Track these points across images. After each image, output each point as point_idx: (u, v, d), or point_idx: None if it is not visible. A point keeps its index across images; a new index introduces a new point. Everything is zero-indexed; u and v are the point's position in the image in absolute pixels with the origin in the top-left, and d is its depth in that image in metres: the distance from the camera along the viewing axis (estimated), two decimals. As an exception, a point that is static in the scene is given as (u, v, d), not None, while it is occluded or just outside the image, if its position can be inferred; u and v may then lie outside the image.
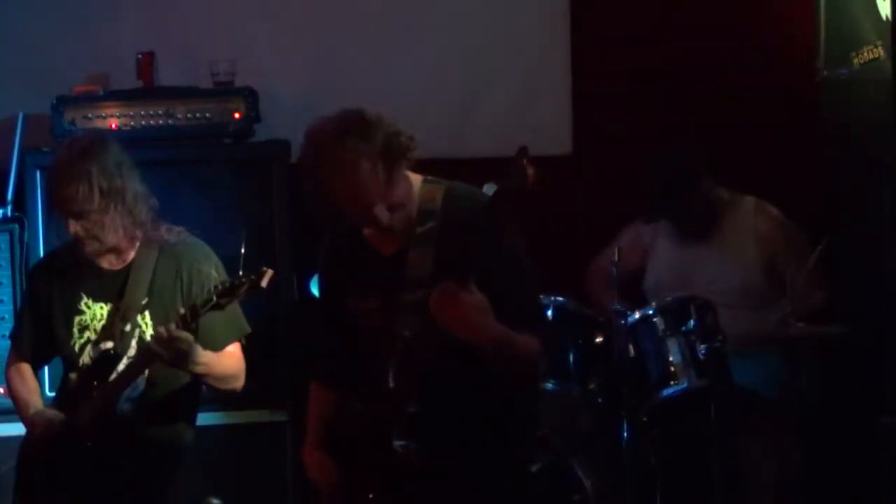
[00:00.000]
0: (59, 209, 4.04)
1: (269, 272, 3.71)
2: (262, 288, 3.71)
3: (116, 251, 4.08)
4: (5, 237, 4.85)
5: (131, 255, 4.08)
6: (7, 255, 4.81)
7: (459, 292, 3.11)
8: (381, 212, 3.30)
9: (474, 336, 3.17)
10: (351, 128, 3.27)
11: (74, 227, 3.98)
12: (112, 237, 4.01)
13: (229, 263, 4.06)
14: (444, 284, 3.13)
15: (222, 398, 4.65)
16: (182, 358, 3.87)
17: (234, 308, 3.96)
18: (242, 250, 3.97)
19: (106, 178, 3.97)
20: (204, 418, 4.44)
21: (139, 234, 4.06)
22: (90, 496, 3.95)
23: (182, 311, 3.84)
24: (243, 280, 3.74)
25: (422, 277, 3.31)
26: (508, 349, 3.24)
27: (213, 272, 4.05)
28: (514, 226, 3.20)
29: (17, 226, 4.87)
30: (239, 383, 4.13)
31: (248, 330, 4.13)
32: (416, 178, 3.44)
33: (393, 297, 3.36)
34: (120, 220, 3.99)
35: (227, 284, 3.77)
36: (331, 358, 3.63)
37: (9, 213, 4.92)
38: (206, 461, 4.54)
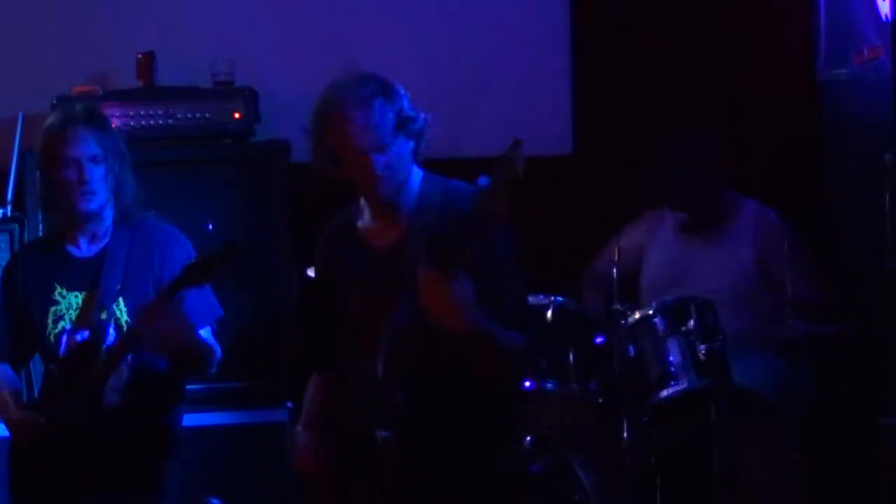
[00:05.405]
0: (76, 149, 4.00)
1: (238, 245, 3.74)
2: (233, 262, 3.75)
3: (91, 231, 4.06)
4: (5, 237, 4.84)
5: (105, 240, 4.08)
6: (7, 255, 4.79)
7: (443, 276, 3.13)
8: (377, 159, 3.36)
9: (453, 322, 3.18)
10: (376, 79, 3.46)
11: (83, 173, 3.97)
12: (103, 198, 4.01)
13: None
14: (429, 269, 3.15)
15: (222, 398, 4.68)
16: (169, 336, 3.85)
17: (207, 291, 3.99)
18: (210, 226, 3.98)
19: (117, 141, 4.06)
20: (204, 418, 4.43)
21: (116, 216, 4.07)
22: (85, 491, 3.93)
23: (159, 293, 3.86)
24: (214, 255, 3.77)
25: (416, 269, 3.29)
26: (486, 341, 3.24)
27: (185, 256, 4.04)
28: (503, 222, 3.20)
29: (17, 226, 4.86)
30: (210, 368, 4.10)
31: (221, 313, 4.11)
32: (417, 172, 3.49)
33: (385, 288, 3.38)
34: (111, 186, 4.02)
35: (200, 261, 3.80)
36: (323, 347, 3.63)
37: (9, 213, 4.92)
38: (206, 461, 4.54)
